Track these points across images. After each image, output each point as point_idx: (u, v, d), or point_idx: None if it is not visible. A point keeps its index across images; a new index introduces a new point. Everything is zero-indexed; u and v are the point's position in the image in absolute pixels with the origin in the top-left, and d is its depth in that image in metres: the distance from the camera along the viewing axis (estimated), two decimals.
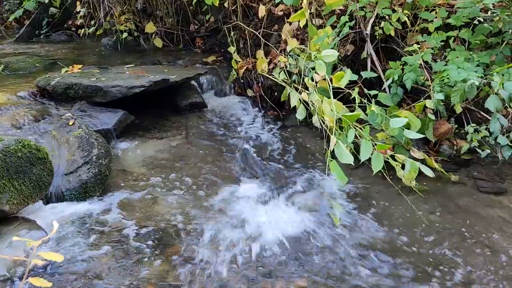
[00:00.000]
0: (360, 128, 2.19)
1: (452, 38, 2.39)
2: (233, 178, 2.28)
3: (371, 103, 2.27)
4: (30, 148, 1.84)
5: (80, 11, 4.82)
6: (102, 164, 2.12)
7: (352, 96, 2.27)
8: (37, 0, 3.80)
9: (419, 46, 2.41)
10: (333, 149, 1.93)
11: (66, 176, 2.07)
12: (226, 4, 3.74)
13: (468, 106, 2.31)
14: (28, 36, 4.86)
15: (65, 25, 5.19)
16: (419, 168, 1.97)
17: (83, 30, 4.71)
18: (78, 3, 4.79)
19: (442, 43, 2.43)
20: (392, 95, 2.38)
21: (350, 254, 1.71)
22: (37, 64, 3.57)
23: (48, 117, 2.59)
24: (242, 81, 3.44)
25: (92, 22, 4.78)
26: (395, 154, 2.11)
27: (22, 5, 3.99)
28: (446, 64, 2.28)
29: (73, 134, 2.30)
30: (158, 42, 4.19)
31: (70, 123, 2.40)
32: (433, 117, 2.22)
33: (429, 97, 2.28)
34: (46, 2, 4.14)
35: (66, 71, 3.15)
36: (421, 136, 1.99)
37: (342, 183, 1.84)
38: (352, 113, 2.01)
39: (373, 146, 1.90)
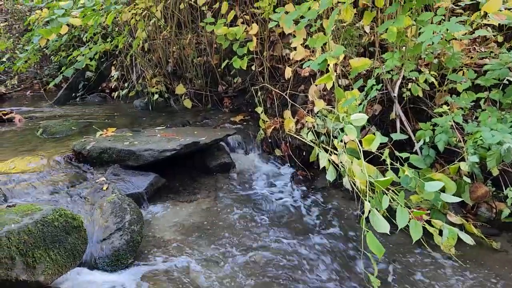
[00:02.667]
0: (393, 191, 2.15)
1: (483, 99, 2.38)
2: (264, 245, 2.24)
3: (403, 165, 2.24)
4: (66, 217, 1.88)
5: (114, 74, 5.09)
6: (134, 231, 2.14)
7: (383, 158, 2.26)
8: (75, 67, 4.04)
9: (448, 107, 2.40)
10: (367, 215, 1.89)
11: (99, 243, 2.08)
12: (253, 67, 3.88)
13: (505, 168, 2.25)
14: (65, 98, 5.14)
15: (100, 87, 5.48)
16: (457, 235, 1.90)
17: (116, 92, 4.94)
18: (113, 68, 5.07)
19: (472, 103, 2.41)
20: (424, 157, 2.34)
21: None
22: (73, 127, 3.73)
23: (83, 181, 2.66)
24: (270, 140, 3.48)
25: (126, 85, 5.02)
26: (431, 220, 2.05)
27: (61, 71, 4.25)
28: (478, 125, 2.25)
29: (106, 200, 2.34)
30: (188, 103, 4.34)
31: (104, 188, 2.46)
32: (468, 180, 2.16)
33: (462, 159, 2.23)
34: (82, 68, 4.39)
35: (100, 135, 3.27)
36: (459, 199, 1.93)
37: (378, 255, 1.78)
38: (384, 179, 1.98)
39: (409, 212, 1.85)
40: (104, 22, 3.71)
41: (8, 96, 5.59)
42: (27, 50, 4.05)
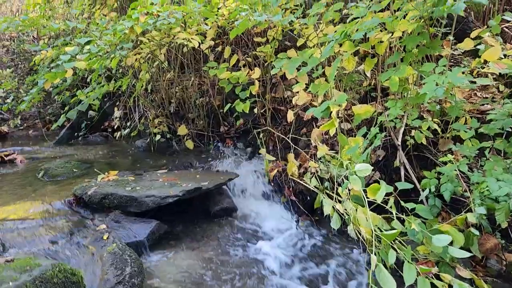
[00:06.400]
0: (400, 242, 2.11)
1: (488, 149, 2.37)
2: None
3: (408, 214, 2.20)
4: (65, 272, 1.83)
5: (116, 114, 5.12)
6: (134, 284, 2.08)
7: (387, 207, 2.23)
8: (78, 109, 4.07)
9: (453, 155, 2.39)
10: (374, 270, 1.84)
11: None
12: (255, 109, 3.90)
13: None
14: (67, 138, 5.14)
15: (102, 127, 5.49)
16: None
17: (118, 132, 4.95)
18: (115, 108, 5.11)
19: (477, 151, 2.40)
20: (430, 207, 2.31)
21: None
22: (74, 169, 3.71)
23: (83, 228, 2.61)
24: (272, 184, 3.45)
25: (128, 124, 5.04)
26: (440, 273, 1.99)
27: (64, 112, 4.28)
28: (483, 175, 2.23)
29: (107, 250, 2.29)
30: (190, 144, 4.33)
31: (105, 238, 2.41)
32: (477, 232, 2.12)
33: (469, 209, 2.20)
34: (85, 110, 4.43)
35: (102, 178, 3.24)
36: (469, 254, 1.88)
37: None
38: (391, 232, 1.94)
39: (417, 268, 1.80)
40: (109, 65, 3.76)
41: (10, 136, 5.60)
42: (31, 92, 4.09)
